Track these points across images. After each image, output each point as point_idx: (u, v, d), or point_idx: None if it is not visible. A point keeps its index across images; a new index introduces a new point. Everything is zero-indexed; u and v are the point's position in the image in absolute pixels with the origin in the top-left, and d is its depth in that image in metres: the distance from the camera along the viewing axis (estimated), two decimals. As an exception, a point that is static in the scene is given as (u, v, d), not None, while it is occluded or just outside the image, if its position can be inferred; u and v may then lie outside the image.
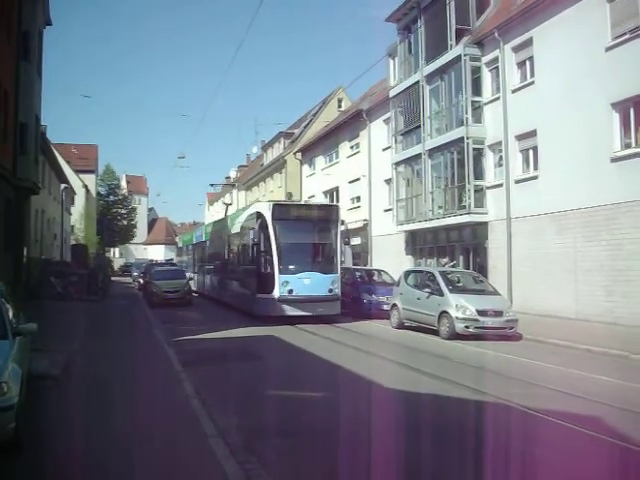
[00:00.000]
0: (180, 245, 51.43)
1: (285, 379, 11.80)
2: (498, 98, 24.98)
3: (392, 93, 31.92)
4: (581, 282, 20.39)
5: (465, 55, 25.85)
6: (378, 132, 35.10)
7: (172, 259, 66.27)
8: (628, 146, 19.23)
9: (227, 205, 43.44)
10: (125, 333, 18.23)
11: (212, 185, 52.14)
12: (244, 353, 14.52)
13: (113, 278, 53.37)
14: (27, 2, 25.80)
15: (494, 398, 9.83)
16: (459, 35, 26.70)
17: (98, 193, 77.57)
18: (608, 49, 19.58)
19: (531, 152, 23.57)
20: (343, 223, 25.10)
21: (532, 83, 23.23)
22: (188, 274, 36.33)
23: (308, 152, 47.37)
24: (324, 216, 22.58)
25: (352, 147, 39.09)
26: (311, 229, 22.25)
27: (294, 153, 49.46)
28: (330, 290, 21.42)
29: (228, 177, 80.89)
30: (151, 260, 62.70)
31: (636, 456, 7.01)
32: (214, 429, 7.76)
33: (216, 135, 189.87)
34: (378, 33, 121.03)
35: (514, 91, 24.15)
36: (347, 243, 25.07)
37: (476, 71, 26.10)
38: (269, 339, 17.47)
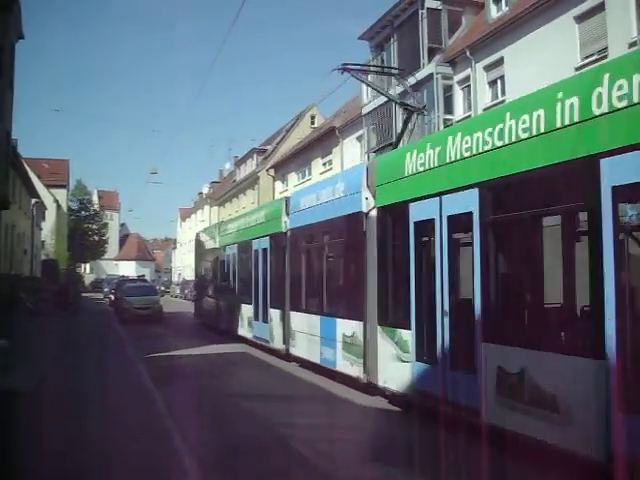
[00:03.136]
0: (217, 245, 24.10)
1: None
2: (470, 116, 25.23)
3: (365, 110, 32.06)
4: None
5: (437, 73, 26.06)
6: (351, 149, 35.19)
7: (144, 275, 65.70)
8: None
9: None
10: (97, 349, 18.04)
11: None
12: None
13: (84, 294, 52.75)
14: (0, 15, 25.53)
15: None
16: (431, 54, 26.94)
17: (69, 208, 76.78)
18: (577, 69, 19.87)
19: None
20: None
21: (503, 102, 23.43)
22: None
23: (281, 169, 47.38)
24: None
25: (325, 164, 39.14)
26: None
27: (267, 170, 49.49)
28: None
29: (200, 193, 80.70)
30: (122, 276, 62.07)
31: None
32: (186, 447, 7.69)
33: (188, 151, 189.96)
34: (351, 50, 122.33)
35: (485, 109, 24.40)
36: None
37: (448, 89, 26.35)
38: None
